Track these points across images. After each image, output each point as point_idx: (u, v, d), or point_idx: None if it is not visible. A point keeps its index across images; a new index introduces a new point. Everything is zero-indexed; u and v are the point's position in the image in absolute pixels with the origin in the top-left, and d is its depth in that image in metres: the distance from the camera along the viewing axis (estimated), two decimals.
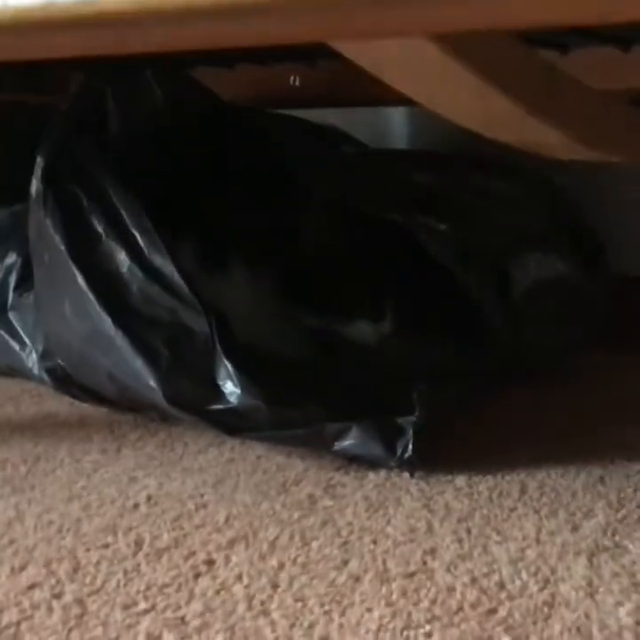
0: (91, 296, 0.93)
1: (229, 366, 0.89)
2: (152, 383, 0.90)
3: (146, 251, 0.93)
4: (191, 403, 0.90)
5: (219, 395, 0.89)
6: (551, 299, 1.11)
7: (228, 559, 0.69)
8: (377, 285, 1.06)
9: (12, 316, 1.05)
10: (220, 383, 0.90)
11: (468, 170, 1.15)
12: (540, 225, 1.15)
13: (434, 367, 1.01)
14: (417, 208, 1.08)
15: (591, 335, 1.15)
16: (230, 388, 0.89)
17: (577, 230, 1.17)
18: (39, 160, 0.97)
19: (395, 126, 1.52)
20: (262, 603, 0.63)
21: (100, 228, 0.95)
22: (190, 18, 0.38)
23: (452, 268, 1.06)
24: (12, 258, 1.08)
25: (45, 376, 1.01)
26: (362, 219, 1.07)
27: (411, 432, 0.86)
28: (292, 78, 1.25)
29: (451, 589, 0.65)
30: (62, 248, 0.94)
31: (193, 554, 0.70)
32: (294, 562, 0.69)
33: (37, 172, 0.96)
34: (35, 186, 0.96)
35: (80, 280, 0.93)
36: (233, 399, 0.89)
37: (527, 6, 0.34)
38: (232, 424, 0.90)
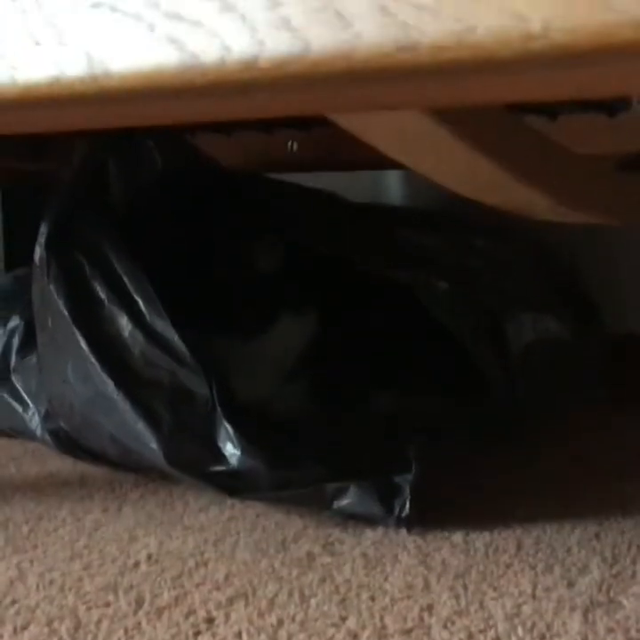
0: (93, 360, 0.94)
1: (229, 428, 0.91)
2: (153, 445, 0.91)
3: (147, 315, 0.95)
4: (192, 465, 0.92)
5: (219, 456, 0.91)
6: (547, 357, 1.13)
7: (227, 617, 0.70)
8: None
9: (15, 378, 1.06)
10: (221, 445, 0.91)
11: (465, 231, 1.18)
12: (535, 286, 1.17)
13: (431, 424, 1.03)
14: (416, 266, 1.10)
15: (588, 393, 1.16)
16: (230, 449, 0.90)
17: (571, 290, 1.19)
18: (43, 228, 0.99)
19: (392, 189, 1.55)
20: None
21: (102, 294, 0.97)
22: (185, 95, 0.40)
23: (451, 326, 1.08)
24: (15, 321, 1.10)
25: (48, 437, 1.02)
26: (364, 277, 1.09)
27: (408, 490, 0.87)
28: (289, 144, 1.28)
29: None
30: (65, 313, 0.96)
31: (193, 611, 0.71)
32: (293, 619, 0.70)
33: (41, 239, 0.98)
34: (38, 253, 0.98)
35: (82, 344, 0.95)
36: (233, 461, 0.90)
37: (528, 84, 0.36)
38: (232, 485, 0.91)
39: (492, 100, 0.54)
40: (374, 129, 0.68)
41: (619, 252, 1.39)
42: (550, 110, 0.99)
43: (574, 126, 0.97)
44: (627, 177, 0.82)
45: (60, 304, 0.96)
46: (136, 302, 0.95)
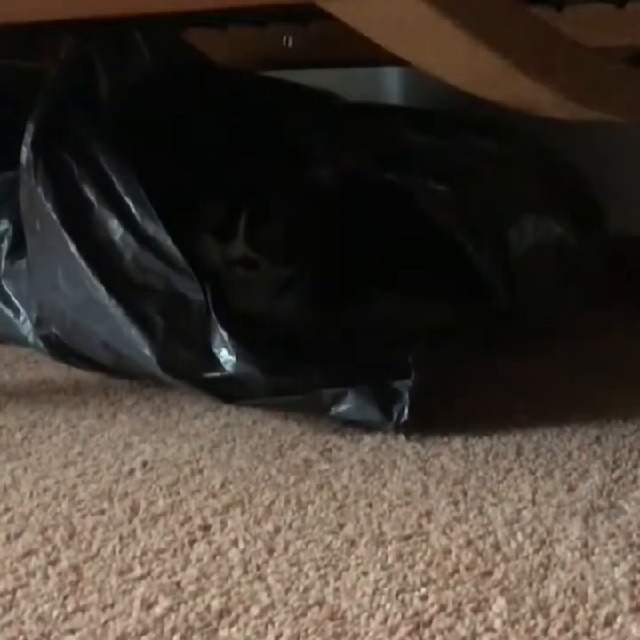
0: (83, 265, 0.92)
1: (224, 334, 0.89)
2: (147, 352, 0.90)
3: (139, 218, 0.92)
4: (187, 371, 0.90)
5: (214, 363, 0.89)
6: (548, 260, 1.11)
7: (223, 524, 0.70)
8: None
9: (5, 283, 1.04)
10: (216, 351, 0.89)
11: (465, 131, 1.14)
12: (537, 187, 1.14)
13: (431, 329, 1.01)
14: (415, 169, 1.07)
15: (589, 295, 1.15)
16: (225, 355, 0.89)
17: (574, 192, 1.16)
18: (29, 127, 0.95)
19: (390, 87, 1.50)
20: (258, 567, 0.64)
21: (91, 196, 0.94)
22: None
23: (450, 229, 1.06)
24: (3, 225, 1.07)
25: (40, 343, 1.01)
26: (361, 179, 1.06)
27: (406, 396, 0.86)
28: (284, 39, 1.23)
29: (446, 552, 0.65)
30: (54, 216, 0.93)
31: (189, 519, 0.70)
32: (290, 526, 0.69)
33: (27, 139, 0.95)
34: (25, 153, 0.95)
35: (72, 248, 0.92)
36: (228, 367, 0.89)
37: None
38: (227, 392, 0.89)
39: None
40: (372, 19, 0.64)
41: (621, 155, 1.36)
42: (557, 0, 0.94)
43: (582, 18, 0.93)
44: (637, 71, 0.78)
45: (49, 207, 0.93)
46: (127, 205, 0.92)
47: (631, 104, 0.78)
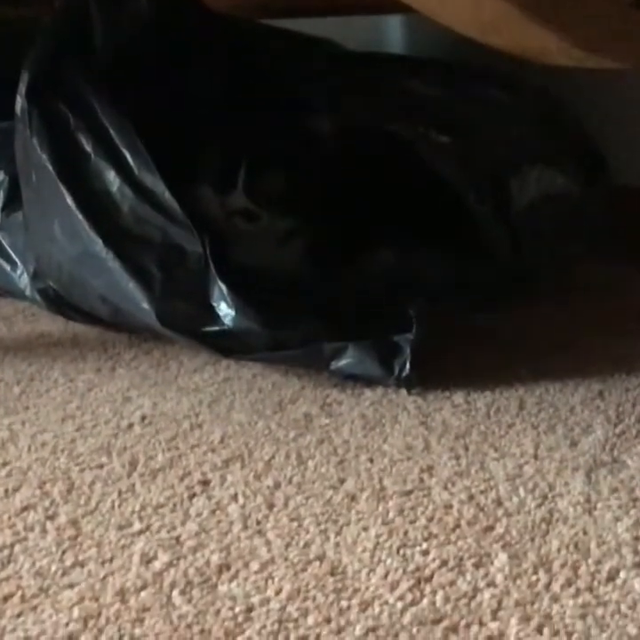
0: (80, 216, 0.91)
1: (223, 287, 0.88)
2: (145, 305, 0.89)
3: (136, 170, 0.91)
4: (185, 324, 0.89)
5: (213, 316, 0.88)
6: (551, 213, 1.09)
7: (223, 479, 0.69)
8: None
9: (1, 236, 1.03)
10: (214, 304, 0.88)
11: (468, 79, 1.12)
12: (541, 138, 1.12)
13: (432, 282, 1.00)
14: (417, 119, 1.05)
15: (591, 248, 1.13)
16: (224, 309, 0.88)
17: (578, 143, 1.14)
18: (23, 76, 0.94)
19: (392, 35, 1.48)
20: (258, 522, 0.63)
21: (88, 147, 0.92)
22: None
23: (452, 181, 1.04)
24: None
25: (37, 297, 0.99)
26: (361, 130, 1.04)
27: (408, 350, 0.85)
28: None
29: (448, 507, 0.65)
30: (49, 167, 0.91)
31: (188, 474, 0.70)
32: (290, 481, 0.69)
33: (22, 88, 0.93)
34: (19, 103, 0.93)
35: (69, 200, 0.91)
36: (227, 321, 0.88)
37: None
38: (227, 346, 0.89)
39: None
40: None
41: (626, 106, 1.34)
42: None
43: None
44: None
45: (44, 158, 0.92)
46: (123, 156, 0.91)
47: (636, 50, 0.77)
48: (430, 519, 0.63)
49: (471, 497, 0.66)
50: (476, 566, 0.58)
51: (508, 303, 1.03)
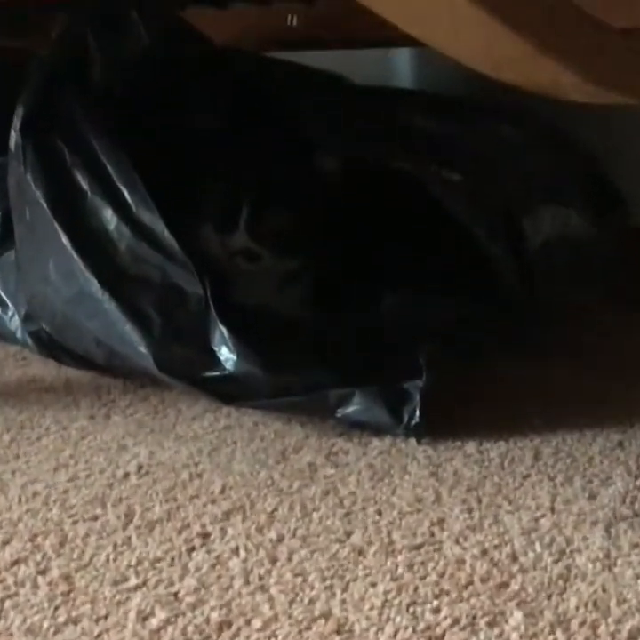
0: (75, 256, 0.92)
1: (224, 330, 0.89)
2: (142, 349, 0.90)
3: (134, 207, 0.92)
4: (184, 370, 0.90)
5: (213, 361, 0.89)
6: (566, 253, 1.10)
7: (223, 532, 0.69)
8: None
9: None
10: (215, 348, 0.89)
11: (480, 116, 1.14)
12: (555, 176, 1.14)
13: (443, 326, 1.01)
14: (427, 156, 1.07)
15: (607, 291, 1.14)
16: (226, 353, 0.89)
17: (593, 182, 1.16)
18: (18, 110, 0.95)
19: (400, 69, 1.50)
20: (260, 578, 0.63)
21: (84, 184, 0.94)
22: None
23: (464, 220, 1.05)
24: None
25: (29, 340, 1.00)
26: (367, 168, 1.06)
27: (418, 397, 0.86)
28: (289, 18, 1.23)
29: (460, 562, 0.65)
30: (44, 205, 0.93)
31: (187, 526, 0.70)
32: (294, 534, 0.69)
33: (16, 123, 0.95)
34: (14, 138, 0.95)
35: (64, 239, 0.92)
36: (229, 365, 0.88)
37: None
38: (227, 392, 0.89)
39: None
40: None
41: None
42: None
43: None
44: None
45: (39, 195, 0.93)
46: (121, 192, 0.92)
47: None
48: (441, 575, 0.63)
49: (484, 552, 0.66)
50: (490, 625, 0.58)
51: (521, 347, 1.04)
